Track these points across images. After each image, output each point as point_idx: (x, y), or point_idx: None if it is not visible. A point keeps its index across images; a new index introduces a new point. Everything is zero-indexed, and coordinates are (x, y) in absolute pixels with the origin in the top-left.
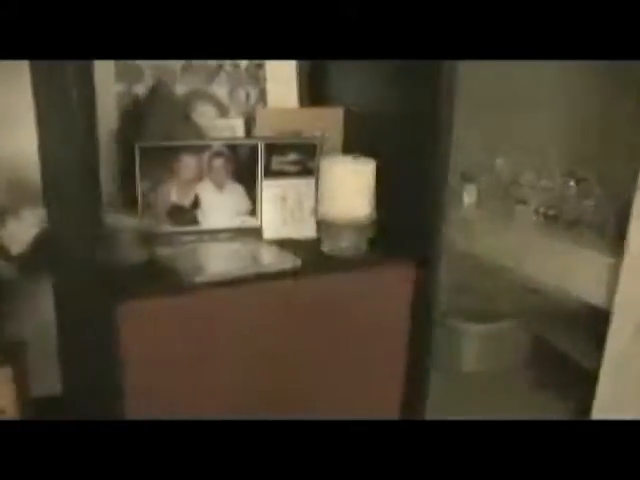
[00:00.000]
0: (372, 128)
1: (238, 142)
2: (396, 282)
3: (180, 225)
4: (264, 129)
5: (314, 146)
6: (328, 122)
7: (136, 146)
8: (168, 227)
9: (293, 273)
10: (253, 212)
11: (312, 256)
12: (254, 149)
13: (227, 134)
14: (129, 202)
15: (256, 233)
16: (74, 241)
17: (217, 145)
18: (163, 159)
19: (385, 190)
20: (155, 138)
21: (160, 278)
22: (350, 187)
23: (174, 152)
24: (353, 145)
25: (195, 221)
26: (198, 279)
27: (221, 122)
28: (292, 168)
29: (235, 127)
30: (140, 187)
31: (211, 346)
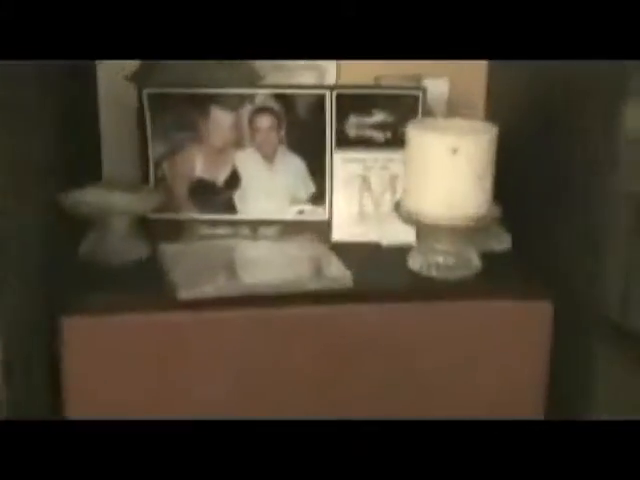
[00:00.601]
0: (534, 86)
1: (295, 91)
2: (524, 321)
3: (207, 211)
4: (359, 73)
5: (415, 100)
6: (464, 67)
7: (144, 93)
8: (189, 213)
9: (340, 297)
10: (319, 199)
11: (394, 273)
12: (321, 103)
13: (311, 79)
14: (139, 175)
15: (321, 230)
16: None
17: (263, 96)
18: (184, 114)
19: (518, 180)
20: (181, 85)
21: (146, 286)
22: (451, 170)
23: (200, 104)
24: (501, 106)
25: (230, 207)
26: (186, 295)
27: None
28: (380, 135)
29: (325, 69)
30: (151, 152)
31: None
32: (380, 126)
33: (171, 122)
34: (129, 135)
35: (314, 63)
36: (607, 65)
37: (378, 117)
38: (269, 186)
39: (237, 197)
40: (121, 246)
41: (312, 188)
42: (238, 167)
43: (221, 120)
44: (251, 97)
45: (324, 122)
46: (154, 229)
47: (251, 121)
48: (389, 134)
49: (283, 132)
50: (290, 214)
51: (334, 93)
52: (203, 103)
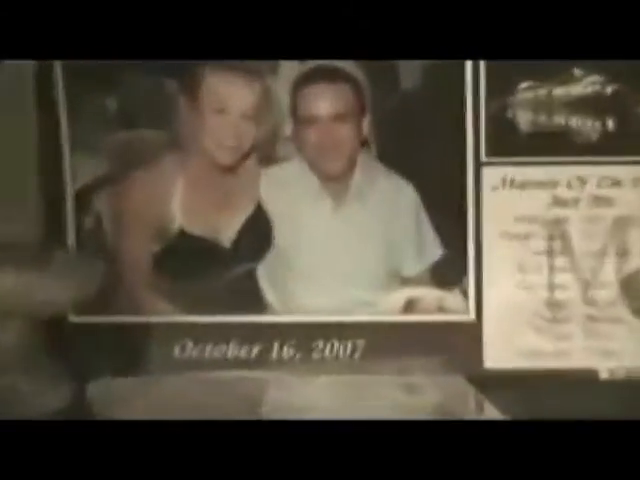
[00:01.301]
0: None
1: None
2: None
3: (200, 307)
4: None
5: None
6: None
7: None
8: (159, 310)
9: None
10: (453, 274)
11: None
12: (455, 64)
13: None
14: (41, 228)
15: (460, 345)
16: None
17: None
18: (144, 91)
19: None
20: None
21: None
22: None
23: (177, 69)
24: None
25: (251, 295)
26: None
27: None
28: (586, 127)
29: None
30: (69, 174)
31: None
32: (588, 107)
33: (115, 109)
34: (21, 138)
35: None
36: None
37: (583, 86)
38: (338, 246)
39: (264, 272)
40: (11, 387)
41: (437, 249)
42: (266, 205)
43: (227, 100)
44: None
45: (462, 104)
46: (80, 346)
47: (298, 103)
48: (611, 125)
49: (367, 127)
50: (387, 309)
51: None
52: (186, 66)
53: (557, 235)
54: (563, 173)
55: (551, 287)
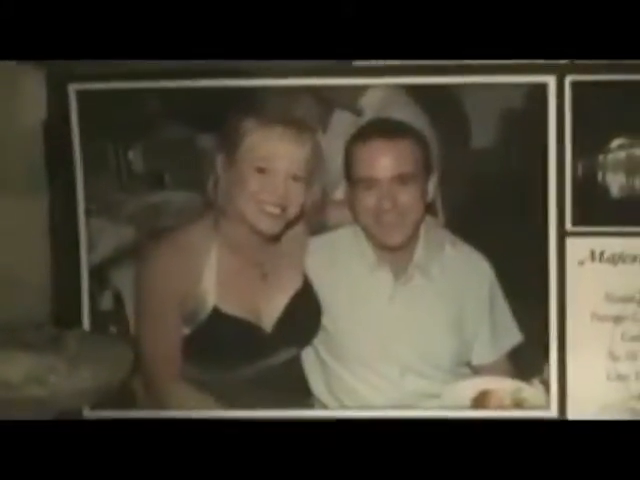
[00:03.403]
0: None
1: (466, 79)
2: None
3: (239, 400)
4: None
5: None
6: None
7: (70, 89)
8: (189, 403)
9: None
10: (531, 362)
11: None
12: (537, 109)
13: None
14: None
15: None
16: None
17: (385, 93)
18: (174, 148)
19: None
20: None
21: None
22: None
23: (213, 120)
24: None
25: (296, 387)
26: None
27: None
28: None
29: None
30: (84, 245)
31: None
32: None
33: (139, 165)
34: (28, 200)
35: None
36: None
37: None
38: (397, 329)
39: (310, 360)
40: None
41: (514, 334)
42: (313, 280)
43: (271, 158)
44: (350, 96)
45: (544, 164)
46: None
47: (352, 162)
48: None
49: (433, 190)
50: (455, 403)
51: (569, 80)
52: (224, 119)
53: None
54: None
55: None
